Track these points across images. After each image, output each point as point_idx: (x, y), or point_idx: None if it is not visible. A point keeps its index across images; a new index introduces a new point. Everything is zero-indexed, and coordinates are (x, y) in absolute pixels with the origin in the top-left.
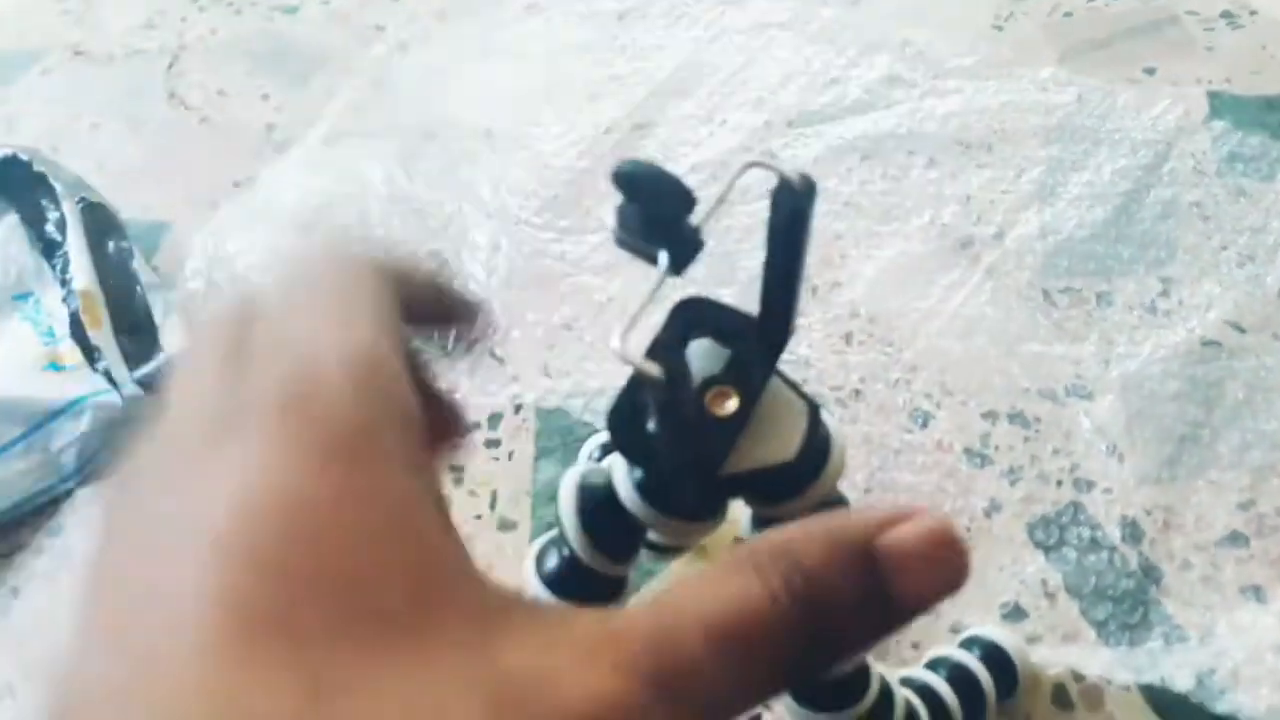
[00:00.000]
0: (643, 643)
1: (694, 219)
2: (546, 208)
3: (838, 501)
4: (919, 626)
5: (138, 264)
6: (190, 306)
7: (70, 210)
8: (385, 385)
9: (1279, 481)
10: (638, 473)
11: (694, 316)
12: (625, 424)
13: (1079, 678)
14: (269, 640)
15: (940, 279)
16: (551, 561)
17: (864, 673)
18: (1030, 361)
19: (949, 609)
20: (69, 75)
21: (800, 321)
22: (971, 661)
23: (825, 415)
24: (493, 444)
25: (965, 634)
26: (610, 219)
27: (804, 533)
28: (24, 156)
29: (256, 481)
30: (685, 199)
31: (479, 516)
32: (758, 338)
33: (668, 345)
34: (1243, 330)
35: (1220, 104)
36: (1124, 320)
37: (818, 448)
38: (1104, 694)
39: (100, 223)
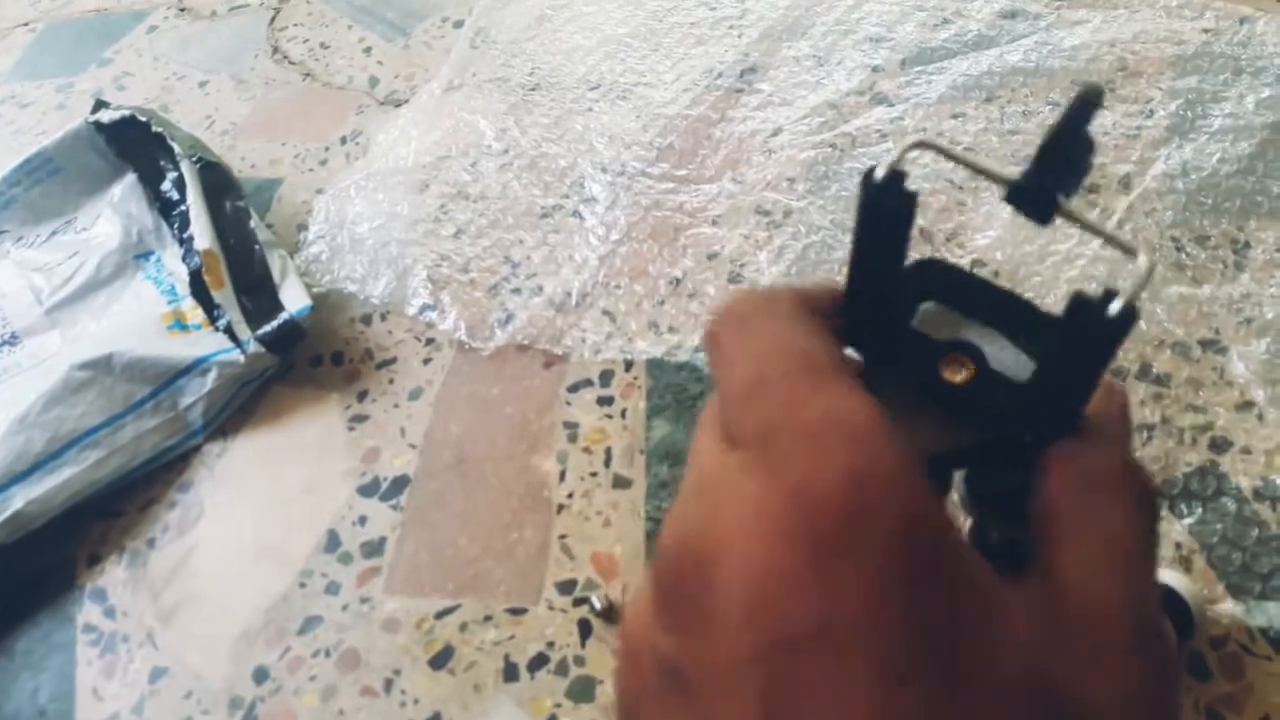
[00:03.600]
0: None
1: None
2: (662, 158)
3: None
4: None
5: (254, 222)
6: (314, 269)
7: (188, 170)
8: (890, 443)
9: None
10: None
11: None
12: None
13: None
14: None
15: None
16: None
17: None
18: (1164, 312)
19: None
20: (174, 34)
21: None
22: None
23: None
24: (605, 401)
25: None
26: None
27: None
28: (142, 117)
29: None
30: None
31: (594, 474)
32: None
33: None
34: None
35: None
36: (1267, 265)
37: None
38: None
39: (217, 182)
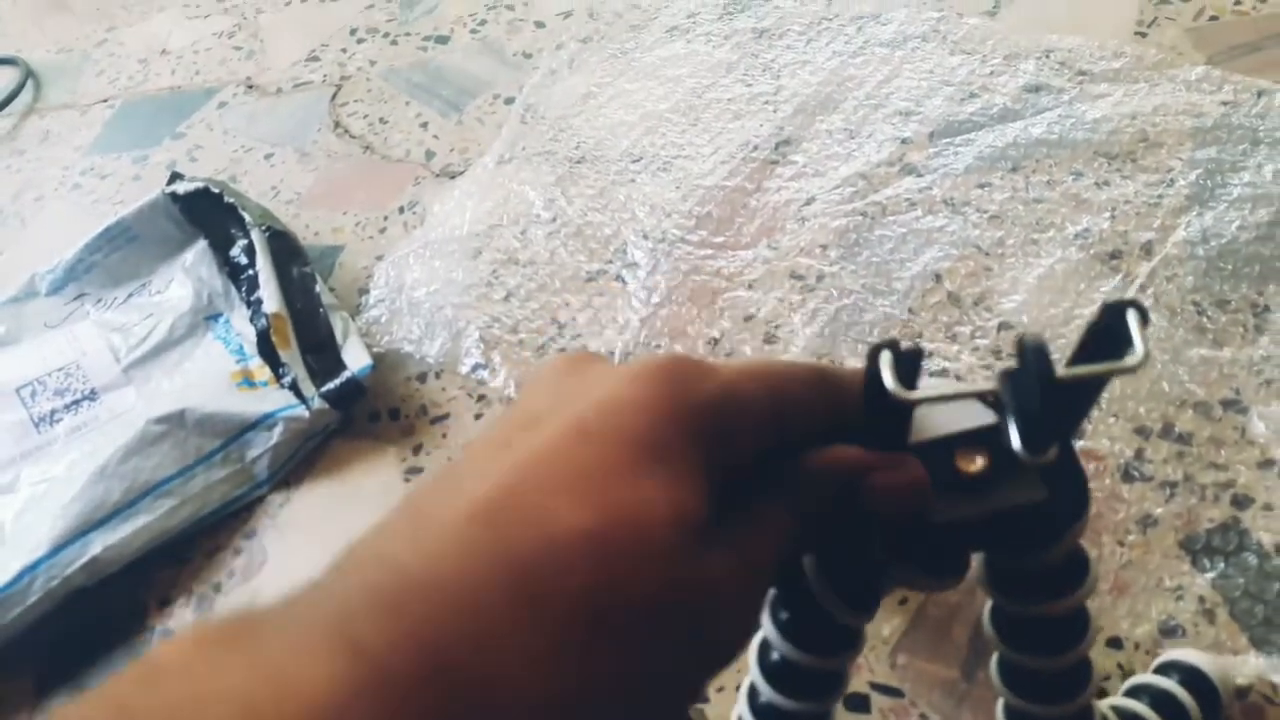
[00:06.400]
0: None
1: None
2: (700, 225)
3: (1080, 555)
4: None
5: (319, 287)
6: (374, 330)
7: (258, 238)
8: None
9: None
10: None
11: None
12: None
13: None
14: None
15: (1101, 286)
16: (783, 612)
17: (1087, 711)
18: (1186, 374)
19: (1107, 624)
20: (243, 109)
21: (949, 334)
22: (1175, 688)
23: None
24: None
25: (1161, 659)
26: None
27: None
28: (214, 189)
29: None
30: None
31: None
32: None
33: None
34: None
35: None
36: None
37: (1075, 487)
38: None
39: (285, 249)
